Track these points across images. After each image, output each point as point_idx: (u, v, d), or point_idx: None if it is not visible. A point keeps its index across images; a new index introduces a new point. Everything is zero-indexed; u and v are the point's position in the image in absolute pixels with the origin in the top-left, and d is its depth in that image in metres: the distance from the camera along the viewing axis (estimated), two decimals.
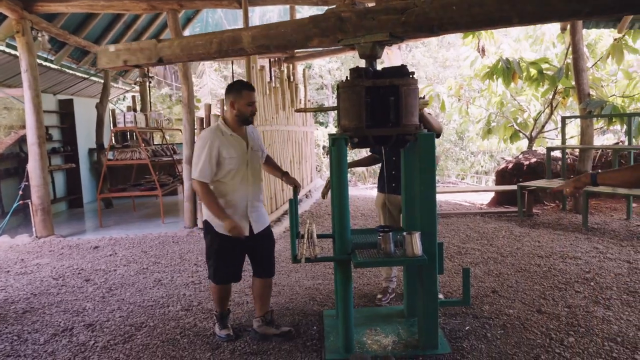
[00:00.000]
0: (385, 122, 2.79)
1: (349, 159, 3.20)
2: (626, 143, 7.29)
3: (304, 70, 11.26)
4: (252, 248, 3.25)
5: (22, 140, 7.84)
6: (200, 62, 15.37)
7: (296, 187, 3.31)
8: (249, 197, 3.16)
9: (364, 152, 15.13)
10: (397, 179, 3.69)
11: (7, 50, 7.38)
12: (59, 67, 8.58)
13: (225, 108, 3.21)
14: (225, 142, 3.09)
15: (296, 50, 10.88)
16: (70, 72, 9.14)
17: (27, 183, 6.83)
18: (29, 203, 6.77)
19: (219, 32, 3.22)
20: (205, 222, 3.22)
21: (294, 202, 2.92)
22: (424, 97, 3.30)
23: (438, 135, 3.67)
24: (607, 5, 2.39)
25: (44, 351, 3.25)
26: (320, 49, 10.81)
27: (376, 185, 14.27)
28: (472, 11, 2.50)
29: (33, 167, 6.71)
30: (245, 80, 3.33)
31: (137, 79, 11.40)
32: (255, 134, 3.32)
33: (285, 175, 3.42)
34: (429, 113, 3.60)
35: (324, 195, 3.80)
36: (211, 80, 20.09)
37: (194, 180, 3.08)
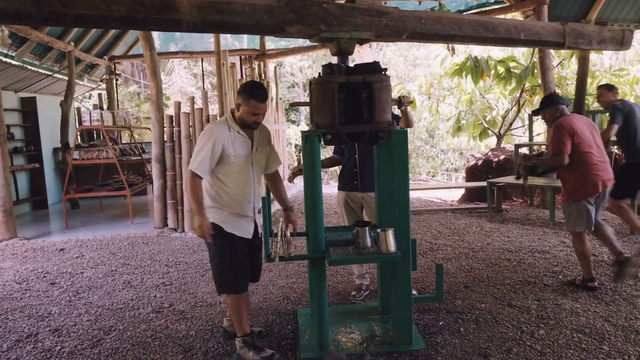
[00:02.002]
0: (359, 118, 2.79)
1: (322, 157, 3.17)
2: None
3: (275, 68, 11.18)
4: (250, 251, 3.08)
5: None
6: (168, 59, 15.07)
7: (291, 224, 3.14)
8: (255, 197, 3.00)
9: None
10: (357, 177, 3.72)
11: None
12: (21, 64, 8.27)
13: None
14: (230, 139, 2.89)
15: (267, 48, 10.81)
16: (33, 68, 8.81)
17: None
18: None
19: None
20: (212, 226, 2.87)
21: (267, 200, 2.88)
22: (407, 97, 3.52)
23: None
24: (503, 39, 3.33)
25: (7, 358, 3.13)
26: (292, 46, 10.79)
27: None
28: (435, 27, 3.05)
29: None
30: (260, 85, 2.96)
31: (104, 76, 11.12)
32: (263, 134, 3.09)
33: (287, 211, 3.22)
34: None
35: (290, 179, 3.80)
36: (180, 78, 19.82)
37: (190, 170, 2.84)
